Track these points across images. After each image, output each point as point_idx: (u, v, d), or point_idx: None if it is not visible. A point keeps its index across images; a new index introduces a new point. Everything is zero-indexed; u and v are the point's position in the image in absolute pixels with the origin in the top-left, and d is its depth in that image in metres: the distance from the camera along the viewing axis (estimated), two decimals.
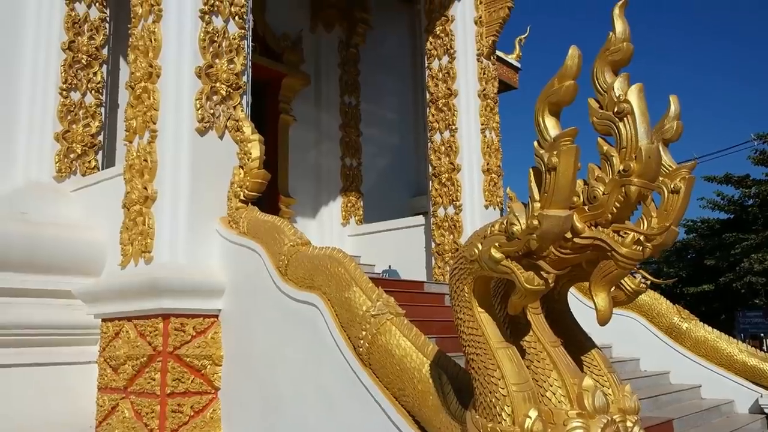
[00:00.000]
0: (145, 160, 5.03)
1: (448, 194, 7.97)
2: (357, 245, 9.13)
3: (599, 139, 2.43)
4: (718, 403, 6.25)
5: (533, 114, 2.27)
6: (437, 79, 8.27)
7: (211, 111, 5.11)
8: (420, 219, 8.70)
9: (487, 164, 8.01)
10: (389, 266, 8.38)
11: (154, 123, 5.05)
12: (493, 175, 8.04)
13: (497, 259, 2.27)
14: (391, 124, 10.66)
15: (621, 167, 2.29)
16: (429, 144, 8.27)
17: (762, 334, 21.48)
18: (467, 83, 8.12)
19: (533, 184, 2.19)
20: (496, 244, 2.29)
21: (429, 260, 8.26)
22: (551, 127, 2.23)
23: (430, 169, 8.22)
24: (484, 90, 8.20)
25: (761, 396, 6.32)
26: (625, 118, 2.31)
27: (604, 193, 2.33)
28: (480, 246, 2.38)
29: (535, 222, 2.13)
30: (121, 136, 5.68)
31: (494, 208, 7.97)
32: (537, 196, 2.16)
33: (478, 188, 7.94)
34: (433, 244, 8.06)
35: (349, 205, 9.58)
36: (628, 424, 2.55)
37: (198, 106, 5.04)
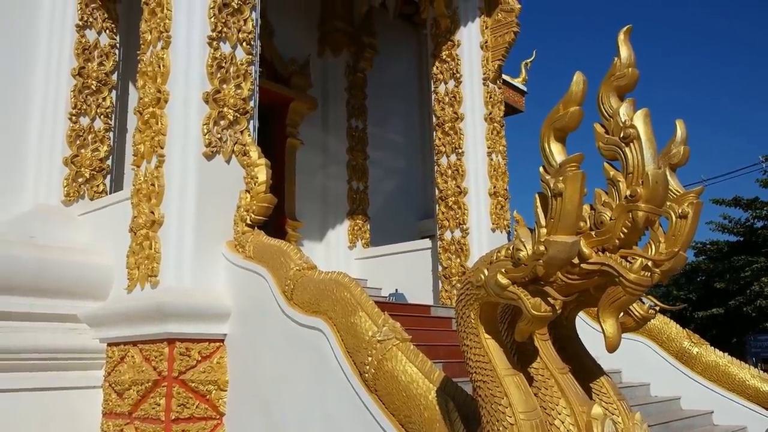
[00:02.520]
0: (153, 185, 5.05)
1: (455, 217, 7.96)
2: (364, 268, 9.11)
3: (605, 164, 2.42)
4: (730, 430, 6.14)
5: (539, 139, 2.27)
6: (444, 103, 8.30)
7: (219, 136, 5.14)
8: (427, 242, 8.68)
9: (494, 187, 8.01)
10: (396, 290, 8.34)
11: (162, 148, 5.08)
12: (500, 198, 8.03)
13: (504, 285, 2.25)
14: (398, 148, 10.69)
15: (628, 192, 2.28)
16: (436, 167, 8.28)
17: None
18: (473, 107, 8.16)
19: (539, 210, 2.18)
20: (503, 270, 2.27)
21: (436, 283, 8.23)
22: (557, 152, 2.23)
23: (437, 192, 8.22)
24: (491, 113, 8.22)
25: None
26: (631, 143, 2.30)
27: (611, 219, 2.31)
28: (486, 272, 2.36)
29: (542, 248, 2.11)
30: (129, 160, 5.72)
31: (501, 232, 7.95)
32: (543, 222, 2.15)
33: (485, 211, 7.92)
34: (440, 268, 8.03)
35: (356, 228, 9.57)
36: None
37: (205, 131, 5.07)
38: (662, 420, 5.70)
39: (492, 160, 8.09)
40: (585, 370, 2.71)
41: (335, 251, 9.39)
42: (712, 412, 6.54)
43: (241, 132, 5.30)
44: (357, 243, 9.51)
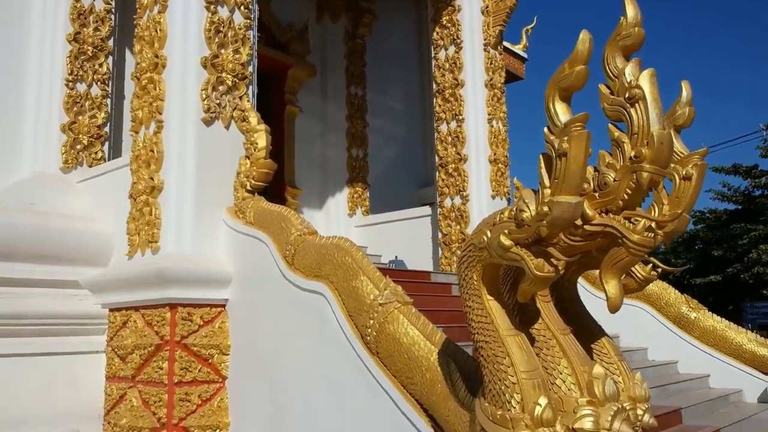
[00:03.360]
0: (152, 151, 5.02)
1: (455, 184, 7.94)
2: (363, 236, 9.12)
3: (610, 126, 2.40)
4: (726, 393, 6.23)
5: (543, 100, 2.24)
6: (444, 69, 8.22)
7: (217, 101, 5.10)
8: (427, 209, 8.68)
9: (494, 154, 7.98)
10: (396, 256, 8.37)
11: (160, 113, 5.04)
12: (500, 165, 8.01)
13: (507, 246, 2.25)
14: (397, 115, 10.62)
15: (632, 153, 2.26)
16: (436, 134, 8.24)
17: None
18: (474, 73, 8.08)
19: (543, 171, 2.17)
20: (506, 231, 2.27)
21: (436, 251, 8.25)
22: (562, 112, 2.20)
23: (437, 159, 8.19)
24: (491, 80, 8.15)
25: None
26: (636, 104, 2.28)
27: (615, 180, 2.31)
28: (489, 233, 2.36)
29: (545, 208, 2.11)
30: (127, 127, 5.68)
31: (501, 199, 7.94)
32: (547, 183, 2.14)
33: (485, 178, 7.91)
34: (439, 235, 8.05)
35: (355, 195, 9.56)
36: (639, 411, 2.53)
37: (204, 96, 5.02)
38: (659, 383, 5.77)
39: (492, 126, 8.05)
40: (586, 331, 2.73)
41: (335, 219, 9.39)
42: (709, 375, 6.62)
43: (240, 98, 5.26)
44: (357, 210, 9.52)
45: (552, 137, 2.13)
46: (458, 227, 7.84)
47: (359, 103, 9.85)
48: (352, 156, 9.69)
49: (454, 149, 8.00)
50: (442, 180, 8.08)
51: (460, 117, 8.00)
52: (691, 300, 7.05)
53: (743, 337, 6.62)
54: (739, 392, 6.44)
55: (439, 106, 8.22)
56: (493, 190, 7.89)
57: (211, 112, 5.03)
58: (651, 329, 6.92)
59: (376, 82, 10.10)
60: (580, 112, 2.11)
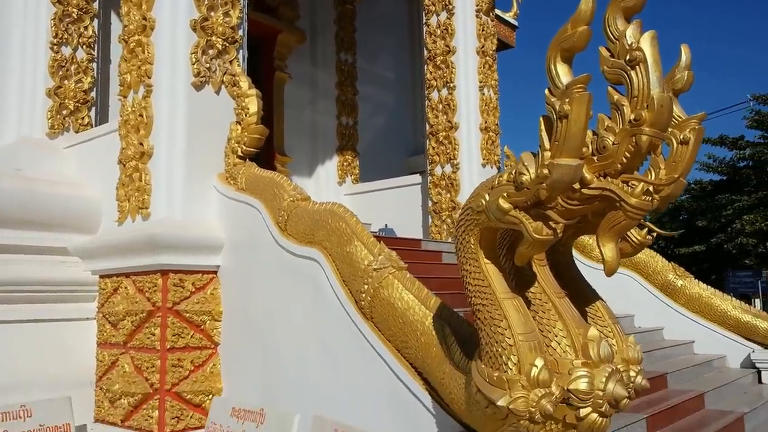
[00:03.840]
0: (141, 115, 4.95)
1: (446, 153, 7.92)
2: (353, 204, 9.08)
3: (610, 89, 2.39)
4: (710, 358, 6.35)
5: (545, 61, 2.22)
6: (435, 35, 8.13)
7: (207, 65, 5.02)
8: (417, 178, 8.66)
9: (485, 122, 7.95)
10: (386, 225, 8.37)
11: (149, 77, 4.95)
12: (491, 133, 7.99)
13: (505, 210, 2.25)
14: (387, 83, 10.53)
15: (632, 116, 2.25)
16: (426, 102, 8.18)
17: (751, 294, 21.75)
18: (466, 40, 8.00)
19: (543, 133, 2.15)
20: (505, 194, 2.26)
21: (426, 219, 8.26)
22: (563, 74, 2.18)
23: (428, 127, 8.15)
24: (483, 47, 8.08)
25: (753, 351, 6.41)
26: (637, 67, 2.27)
27: (614, 143, 2.30)
28: (487, 197, 2.36)
29: (545, 171, 2.10)
30: (114, 92, 5.59)
31: (491, 167, 7.94)
32: (547, 145, 2.13)
33: (476, 147, 7.89)
34: (429, 203, 8.05)
35: (345, 164, 9.52)
36: (632, 373, 2.57)
37: (194, 60, 4.94)
38: (645, 349, 5.82)
39: (483, 94, 8.01)
40: (581, 294, 2.75)
41: (324, 187, 9.36)
42: (694, 341, 6.74)
43: (230, 62, 5.17)
44: (346, 179, 9.48)
45: (553, 99, 2.11)
46: (448, 195, 7.84)
47: (349, 69, 9.75)
48: (341, 124, 9.62)
49: (445, 117, 7.95)
50: (433, 148, 8.05)
51: (451, 84, 7.94)
52: (678, 268, 7.14)
53: (728, 304, 6.73)
54: (722, 358, 6.57)
55: (430, 73, 8.14)
56: (483, 159, 7.88)
57: (201, 77, 4.95)
58: (638, 296, 7.01)
59: (366, 49, 9.98)
60: (582, 74, 2.09)
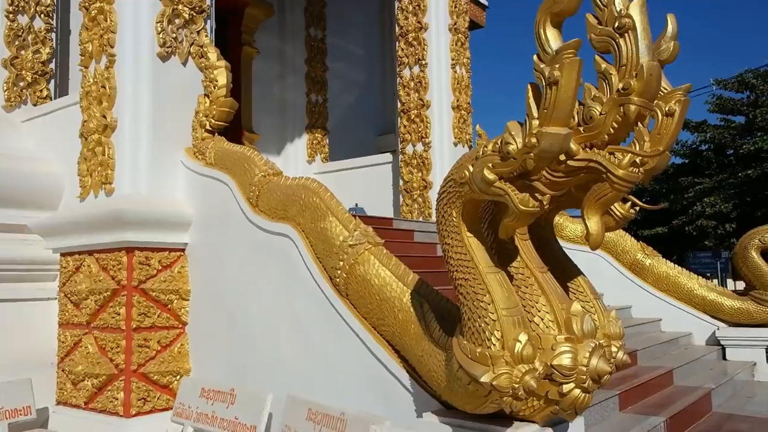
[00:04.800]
0: (103, 87, 4.74)
1: (417, 131, 7.83)
2: (323, 183, 8.96)
3: (597, 57, 2.32)
4: (677, 336, 6.44)
5: (533, 26, 2.14)
6: (407, 11, 7.99)
7: (174, 35, 4.82)
8: (388, 156, 8.57)
9: (457, 101, 7.88)
10: (356, 204, 8.27)
11: (112, 47, 4.74)
12: (462, 112, 7.92)
13: (490, 181, 2.18)
14: (358, 60, 10.36)
15: (620, 85, 2.19)
16: (398, 79, 8.06)
17: (709, 274, 22.29)
18: (438, 16, 7.89)
19: (531, 101, 2.08)
20: (490, 165, 2.19)
21: (396, 198, 8.19)
22: (553, 39, 2.10)
23: (399, 105, 8.04)
24: (455, 24, 7.98)
25: (718, 329, 6.53)
26: (625, 34, 2.20)
27: (601, 113, 2.23)
28: (471, 167, 2.28)
29: (533, 140, 2.03)
30: (75, 63, 5.35)
31: (463, 146, 7.88)
32: (535, 113, 2.06)
33: (448, 125, 7.82)
34: (401, 182, 7.97)
35: (314, 142, 9.36)
36: (613, 349, 2.54)
37: (159, 29, 4.74)
38: None
39: (456, 72, 7.92)
40: (563, 269, 2.70)
41: (294, 165, 9.19)
42: (661, 319, 6.84)
43: (198, 32, 4.98)
44: (316, 157, 9.33)
45: (542, 65, 2.03)
46: (420, 174, 7.77)
47: (319, 45, 9.55)
48: (311, 101, 9.44)
49: (417, 95, 7.85)
50: (404, 126, 7.95)
51: (423, 62, 7.84)
52: (646, 247, 7.21)
53: (694, 283, 6.83)
54: (688, 335, 6.68)
55: (402, 50, 8.02)
56: (455, 137, 7.81)
57: (167, 47, 4.76)
58: (607, 275, 7.06)
59: (336, 24, 9.79)
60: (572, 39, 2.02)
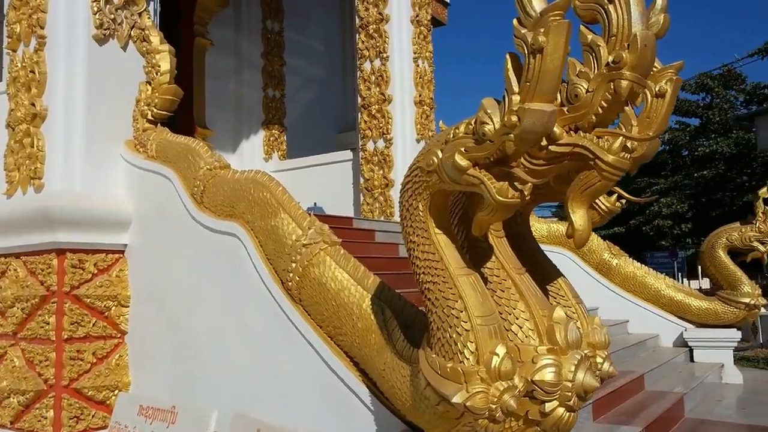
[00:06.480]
0: (33, 72, 4.30)
1: (378, 127, 7.51)
2: (281, 181, 8.56)
3: (582, 28, 2.03)
4: (644, 338, 6.28)
5: None
6: (368, 2, 7.66)
7: (112, 16, 4.40)
8: (348, 154, 8.22)
9: (420, 96, 7.59)
10: (314, 203, 7.90)
11: (42, 27, 4.30)
12: (425, 107, 7.63)
13: (463, 168, 1.87)
14: (317, 55, 9.98)
15: (610, 58, 1.91)
16: (358, 73, 7.72)
17: (665, 273, 22.54)
18: (400, 8, 7.58)
19: (511, 73, 1.77)
20: (462, 149, 1.88)
21: (357, 197, 7.85)
22: (536, 0, 1.80)
23: (359, 100, 7.70)
24: (418, 16, 7.69)
25: (685, 330, 6.40)
26: (616, 0, 1.92)
27: (587, 91, 1.95)
28: (440, 153, 1.97)
29: (514, 118, 1.73)
30: (3, 44, 4.88)
31: (426, 143, 7.59)
32: (516, 88, 1.75)
33: (410, 121, 7.52)
34: (361, 180, 7.63)
35: (271, 139, 8.96)
36: (598, 359, 2.27)
37: (95, 9, 4.32)
38: None
39: (418, 66, 7.63)
40: (540, 270, 2.42)
41: (249, 163, 8.74)
42: (628, 321, 6.67)
43: (140, 14, 4.57)
44: (273, 155, 8.93)
45: (523, 31, 1.73)
46: (381, 172, 7.45)
47: (276, 38, 9.15)
48: (268, 96, 9.03)
49: (378, 89, 7.53)
50: (365, 122, 7.61)
51: (385, 55, 7.52)
52: (613, 246, 7.05)
53: (661, 283, 6.69)
54: (656, 337, 6.52)
55: (362, 42, 7.68)
56: (418, 134, 7.52)
57: (105, 29, 4.34)
58: (573, 276, 6.73)
59: (294, 17, 9.40)
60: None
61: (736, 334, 6.23)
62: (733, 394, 5.68)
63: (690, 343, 6.35)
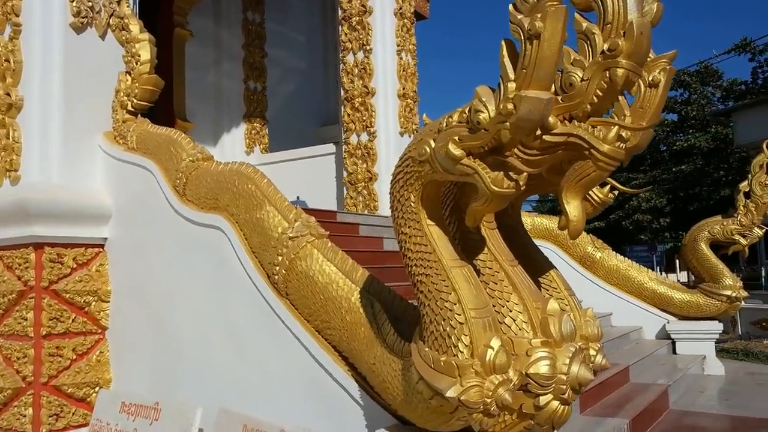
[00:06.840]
0: (7, 60, 4.18)
1: (362, 120, 7.45)
2: None
3: (577, 16, 2.00)
4: (627, 331, 6.31)
5: None
6: None
7: (90, 4, 4.29)
8: (330, 147, 8.15)
9: (403, 89, 7.54)
10: (297, 197, 7.82)
11: (17, 15, 4.18)
12: (408, 100, 7.59)
13: (456, 157, 1.83)
14: (299, 46, 9.89)
15: (606, 46, 1.88)
16: (341, 66, 7.66)
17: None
18: (383, 0, 7.52)
19: (506, 60, 1.73)
20: (456, 139, 1.83)
21: (340, 191, 7.79)
22: None
23: (342, 92, 7.64)
24: (401, 8, 7.64)
25: (668, 322, 6.44)
26: None
27: (582, 80, 1.92)
28: (433, 142, 1.92)
29: (510, 106, 1.69)
30: None
31: (410, 136, 7.55)
32: (512, 75, 1.71)
33: (393, 114, 7.48)
34: (344, 174, 7.58)
35: (253, 132, 8.86)
36: (591, 352, 2.24)
37: None
38: None
39: (402, 59, 7.58)
40: (532, 263, 2.38)
41: (230, 156, 8.63)
42: (611, 314, 6.70)
43: (118, 2, 4.46)
44: (255, 148, 8.83)
45: (520, 16, 1.70)
46: (364, 165, 7.40)
47: (257, 30, 9.04)
48: (249, 88, 8.93)
49: (361, 82, 7.47)
50: (348, 115, 7.55)
51: (368, 47, 7.46)
52: (597, 240, 7.07)
53: (644, 276, 6.72)
54: (639, 329, 6.56)
55: (345, 34, 7.61)
56: (401, 127, 7.48)
57: (82, 17, 4.23)
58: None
59: (275, 8, 9.30)
60: None
61: (717, 326, 6.29)
62: (715, 385, 5.74)
63: (673, 336, 6.40)
